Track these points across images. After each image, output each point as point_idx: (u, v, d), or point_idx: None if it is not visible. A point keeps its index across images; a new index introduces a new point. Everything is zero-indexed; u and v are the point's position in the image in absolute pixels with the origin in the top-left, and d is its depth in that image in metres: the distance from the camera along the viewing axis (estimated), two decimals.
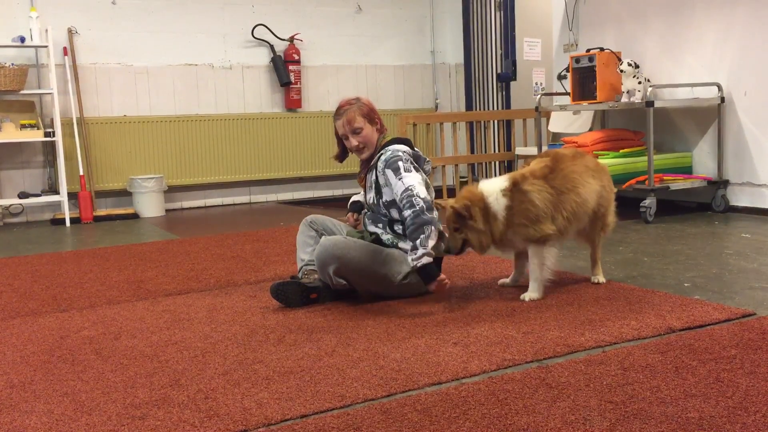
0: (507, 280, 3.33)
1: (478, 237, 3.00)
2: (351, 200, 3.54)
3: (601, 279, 3.31)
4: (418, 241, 2.96)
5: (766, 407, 1.89)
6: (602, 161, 5.34)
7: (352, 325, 2.81)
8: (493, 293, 3.22)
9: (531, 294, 3.06)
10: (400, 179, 3.08)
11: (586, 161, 3.16)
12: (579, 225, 3.15)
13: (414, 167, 3.15)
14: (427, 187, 3.16)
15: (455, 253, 3.09)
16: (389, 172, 3.12)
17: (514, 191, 2.99)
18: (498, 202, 2.99)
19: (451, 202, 3.05)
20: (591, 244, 3.33)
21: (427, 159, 3.31)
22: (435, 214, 3.03)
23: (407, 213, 3.02)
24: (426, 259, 2.94)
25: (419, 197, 3.02)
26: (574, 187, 3.04)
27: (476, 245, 3.03)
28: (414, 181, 3.07)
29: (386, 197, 3.19)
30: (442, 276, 3.00)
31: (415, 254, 2.95)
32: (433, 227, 2.98)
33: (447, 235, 3.12)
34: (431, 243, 2.97)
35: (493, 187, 3.02)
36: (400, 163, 3.11)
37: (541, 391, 2.07)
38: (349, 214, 3.47)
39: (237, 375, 2.31)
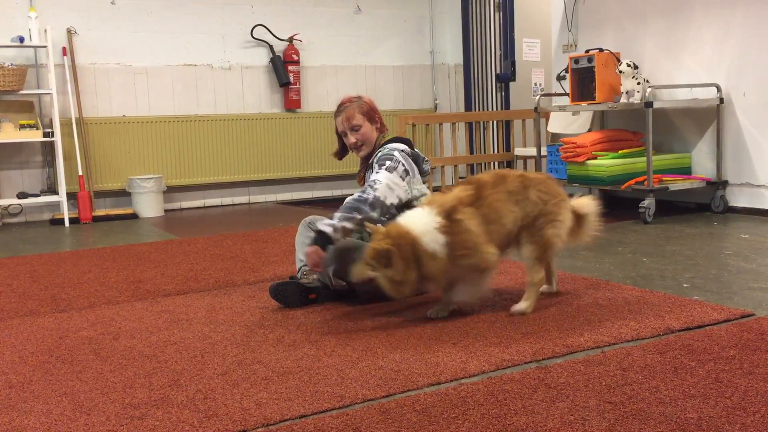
0: (438, 310, 2.94)
1: (393, 285, 2.71)
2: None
3: (552, 289, 3.16)
4: (340, 215, 2.98)
5: (764, 408, 1.90)
6: (600, 161, 5.36)
7: (351, 326, 2.81)
8: (492, 294, 3.22)
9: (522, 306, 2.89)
10: (377, 171, 3.10)
11: (507, 186, 2.87)
12: (505, 250, 2.94)
13: (405, 170, 3.14)
14: (417, 197, 3.15)
15: (354, 282, 2.86)
16: (376, 166, 3.15)
17: (449, 224, 2.73)
18: (436, 241, 2.70)
19: (377, 233, 2.77)
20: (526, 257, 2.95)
21: (426, 158, 3.32)
22: (375, 214, 2.99)
23: (356, 193, 3.04)
24: (328, 229, 2.95)
25: (376, 192, 3.01)
26: (499, 218, 2.82)
27: (390, 290, 2.73)
28: (385, 179, 3.06)
29: None
30: (323, 254, 2.94)
31: (329, 221, 2.98)
32: (360, 220, 2.97)
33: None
34: (347, 225, 2.97)
35: (426, 226, 2.72)
36: (388, 161, 3.12)
37: (540, 391, 2.07)
38: None
39: (236, 375, 2.31)
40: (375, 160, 3.19)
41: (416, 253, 2.68)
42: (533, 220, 2.88)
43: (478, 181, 2.89)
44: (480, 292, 2.90)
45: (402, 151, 3.19)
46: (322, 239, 2.97)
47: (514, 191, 2.87)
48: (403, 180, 3.11)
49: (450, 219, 2.73)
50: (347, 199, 3.05)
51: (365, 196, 3.01)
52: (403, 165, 3.14)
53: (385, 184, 3.05)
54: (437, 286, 2.88)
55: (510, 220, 2.85)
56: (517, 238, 2.91)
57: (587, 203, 3.07)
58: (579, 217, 3.05)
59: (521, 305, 2.89)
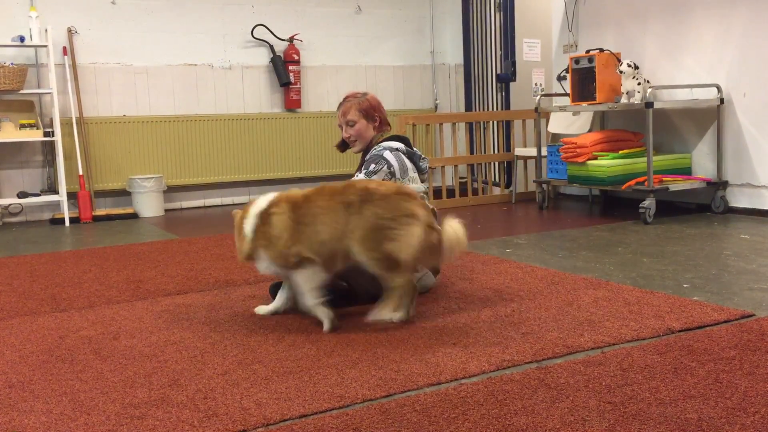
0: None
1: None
2: None
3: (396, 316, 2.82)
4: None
5: (765, 408, 1.90)
6: (601, 162, 5.36)
7: (351, 326, 2.81)
8: (492, 294, 3.22)
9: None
10: (358, 174, 3.19)
11: (345, 196, 2.79)
12: (331, 260, 2.82)
13: (391, 172, 3.19)
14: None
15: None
16: (364, 166, 3.23)
17: (266, 212, 2.84)
18: (249, 224, 2.89)
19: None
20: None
21: (424, 156, 3.34)
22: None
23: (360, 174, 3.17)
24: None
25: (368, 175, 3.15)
26: (313, 224, 2.77)
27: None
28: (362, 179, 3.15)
29: None
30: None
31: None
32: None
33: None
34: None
35: (255, 209, 2.88)
36: (372, 165, 3.18)
37: (540, 391, 2.07)
38: None
39: (236, 375, 2.31)
40: (366, 160, 3.26)
41: (239, 228, 2.91)
42: (368, 233, 2.74)
43: (323, 187, 2.87)
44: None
45: (396, 149, 3.22)
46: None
47: (349, 203, 2.76)
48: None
49: (267, 209, 2.85)
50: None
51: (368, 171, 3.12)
52: (390, 167, 3.18)
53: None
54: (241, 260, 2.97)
55: (327, 230, 2.76)
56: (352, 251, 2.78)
57: (455, 227, 2.83)
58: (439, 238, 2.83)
59: (385, 312, 2.77)
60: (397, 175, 3.18)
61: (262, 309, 3.06)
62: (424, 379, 2.20)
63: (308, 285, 2.82)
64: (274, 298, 3.12)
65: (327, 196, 2.82)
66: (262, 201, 2.91)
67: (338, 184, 2.87)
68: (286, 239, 2.78)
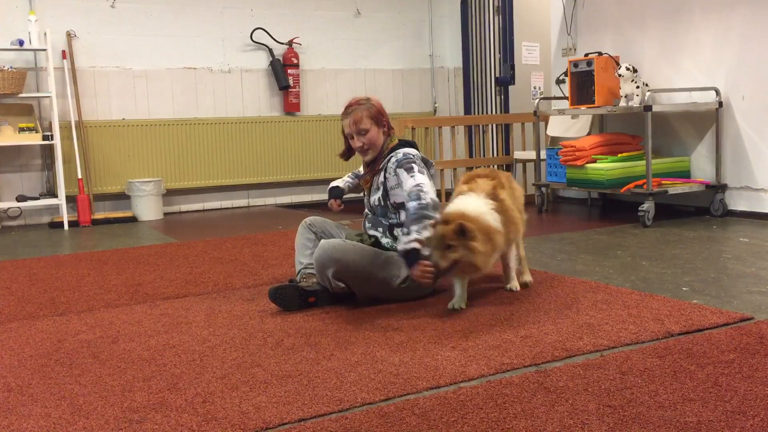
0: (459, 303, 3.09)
1: (481, 256, 2.86)
2: (330, 186, 3.53)
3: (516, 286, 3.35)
4: (415, 228, 2.94)
5: (764, 412, 1.89)
6: (600, 165, 5.37)
7: (351, 329, 2.80)
8: (491, 297, 3.22)
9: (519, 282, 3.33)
10: (412, 177, 3.11)
11: (501, 180, 3.25)
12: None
13: (427, 171, 3.18)
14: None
15: (442, 272, 2.91)
16: (401, 172, 3.14)
17: (497, 204, 3.04)
18: (496, 220, 2.96)
19: (454, 213, 2.93)
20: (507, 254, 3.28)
21: (432, 162, 3.33)
22: (438, 215, 2.99)
23: (413, 204, 3.01)
24: (415, 245, 2.91)
25: (428, 195, 3.04)
26: (516, 202, 3.23)
27: (479, 261, 2.86)
28: (425, 180, 3.10)
29: (396, 199, 3.19)
30: (427, 263, 2.92)
31: (409, 237, 2.93)
32: (433, 224, 2.93)
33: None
34: (426, 234, 2.93)
35: (481, 207, 2.97)
36: (414, 165, 3.14)
37: (539, 395, 2.07)
38: (332, 200, 3.47)
39: (235, 379, 2.31)
40: (395, 166, 3.17)
41: (483, 227, 2.89)
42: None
43: (487, 173, 3.24)
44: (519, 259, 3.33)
45: (415, 155, 3.22)
46: (413, 257, 2.92)
47: (505, 185, 3.23)
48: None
49: (496, 199, 3.04)
50: (410, 211, 3.00)
51: (424, 202, 3.00)
52: (424, 168, 3.19)
53: (429, 185, 3.10)
54: (483, 270, 2.96)
55: (520, 206, 3.25)
56: None
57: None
58: None
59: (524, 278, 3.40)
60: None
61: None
62: (423, 382, 2.20)
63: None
64: (273, 302, 3.12)
65: (505, 180, 3.26)
66: (470, 202, 3.00)
67: (486, 171, 3.29)
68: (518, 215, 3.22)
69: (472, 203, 2.98)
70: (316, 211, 6.77)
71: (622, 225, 5.10)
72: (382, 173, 3.24)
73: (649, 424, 1.85)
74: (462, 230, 2.81)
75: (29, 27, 6.22)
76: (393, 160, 3.19)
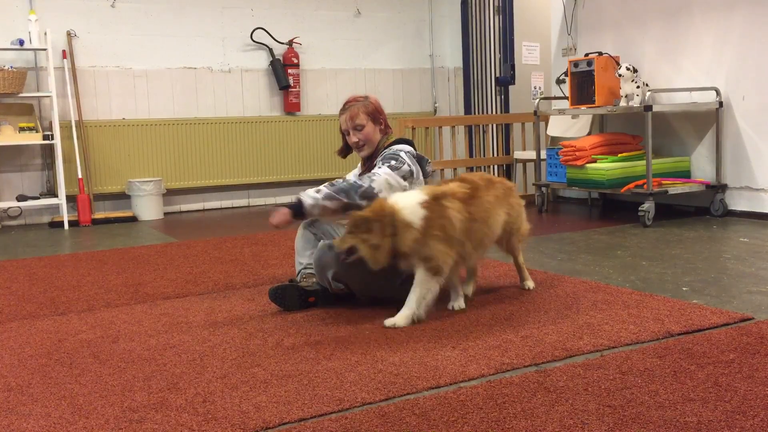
0: (459, 303, 3.08)
1: (370, 250, 2.80)
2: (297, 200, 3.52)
3: (531, 284, 3.38)
4: (326, 192, 3.02)
5: (764, 411, 1.89)
6: (600, 165, 5.37)
7: (351, 329, 2.80)
8: (491, 297, 3.22)
9: (397, 320, 2.85)
10: (380, 167, 3.12)
11: (496, 190, 3.12)
12: (482, 253, 3.17)
13: (411, 171, 3.14)
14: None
15: (340, 254, 2.91)
16: (380, 163, 3.16)
17: (434, 203, 2.86)
18: (414, 214, 2.81)
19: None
20: (512, 254, 3.34)
21: (429, 160, 3.33)
22: (363, 203, 2.99)
23: (351, 178, 3.11)
24: (305, 198, 3.02)
25: (372, 183, 3.04)
26: (487, 218, 3.02)
27: (368, 255, 2.82)
28: (385, 174, 3.08)
29: (386, 194, 3.18)
30: (289, 219, 3.03)
31: (310, 191, 3.03)
32: (346, 204, 3.00)
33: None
34: (328, 205, 3.00)
35: (409, 201, 2.87)
36: (393, 160, 3.14)
37: (539, 395, 2.07)
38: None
39: (235, 378, 2.31)
40: (380, 159, 3.19)
41: (393, 222, 2.80)
42: (508, 224, 3.17)
43: (472, 181, 3.07)
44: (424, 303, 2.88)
45: (407, 152, 3.20)
46: (296, 207, 3.03)
47: (500, 197, 3.13)
48: (405, 180, 3.11)
49: (436, 200, 2.88)
50: (340, 181, 3.08)
51: (360, 183, 3.04)
52: (409, 166, 3.14)
53: (384, 179, 3.06)
54: (408, 265, 2.89)
55: (495, 222, 3.08)
56: (505, 241, 3.24)
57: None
58: None
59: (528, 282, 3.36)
60: (414, 176, 3.17)
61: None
62: (423, 382, 2.20)
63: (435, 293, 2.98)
64: (273, 302, 3.13)
65: (485, 191, 3.08)
66: (406, 195, 2.95)
67: (477, 179, 3.12)
68: (453, 242, 2.98)
69: (405, 197, 2.91)
70: None
71: (622, 225, 5.10)
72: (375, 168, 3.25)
73: (649, 424, 1.85)
74: (359, 222, 2.82)
75: (29, 27, 6.22)
76: (384, 154, 3.21)
